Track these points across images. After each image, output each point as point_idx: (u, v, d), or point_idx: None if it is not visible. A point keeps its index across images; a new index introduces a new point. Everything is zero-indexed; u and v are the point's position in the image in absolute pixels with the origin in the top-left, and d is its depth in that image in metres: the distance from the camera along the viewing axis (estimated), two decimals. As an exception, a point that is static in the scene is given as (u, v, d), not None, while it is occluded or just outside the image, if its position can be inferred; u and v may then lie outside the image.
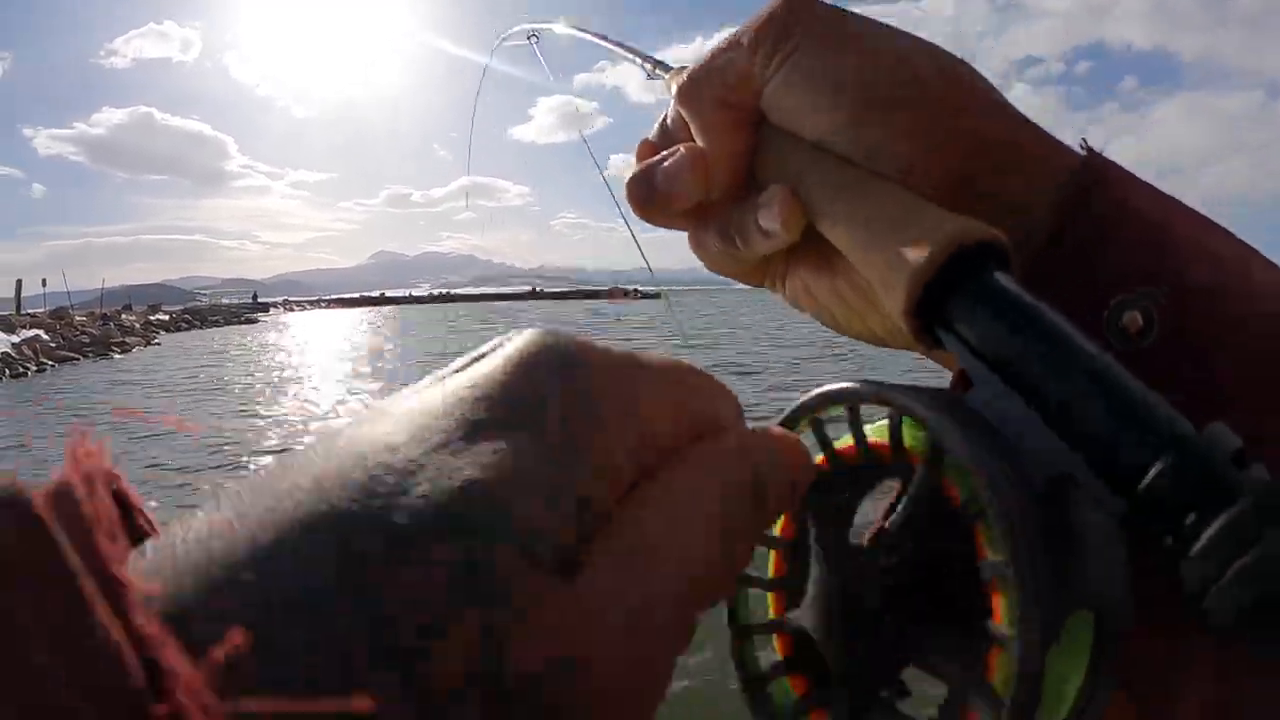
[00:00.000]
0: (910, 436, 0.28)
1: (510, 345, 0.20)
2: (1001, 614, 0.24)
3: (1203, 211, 0.31)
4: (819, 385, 0.30)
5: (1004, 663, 0.24)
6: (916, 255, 0.28)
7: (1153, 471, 0.23)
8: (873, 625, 0.28)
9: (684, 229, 0.38)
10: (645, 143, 0.39)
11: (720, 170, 0.35)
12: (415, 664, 0.14)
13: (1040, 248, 0.31)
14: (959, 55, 0.32)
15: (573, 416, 0.18)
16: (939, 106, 0.32)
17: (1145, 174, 0.31)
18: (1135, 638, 0.26)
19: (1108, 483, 0.24)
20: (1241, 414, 0.25)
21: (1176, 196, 0.31)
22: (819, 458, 0.31)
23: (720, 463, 0.21)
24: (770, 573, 0.34)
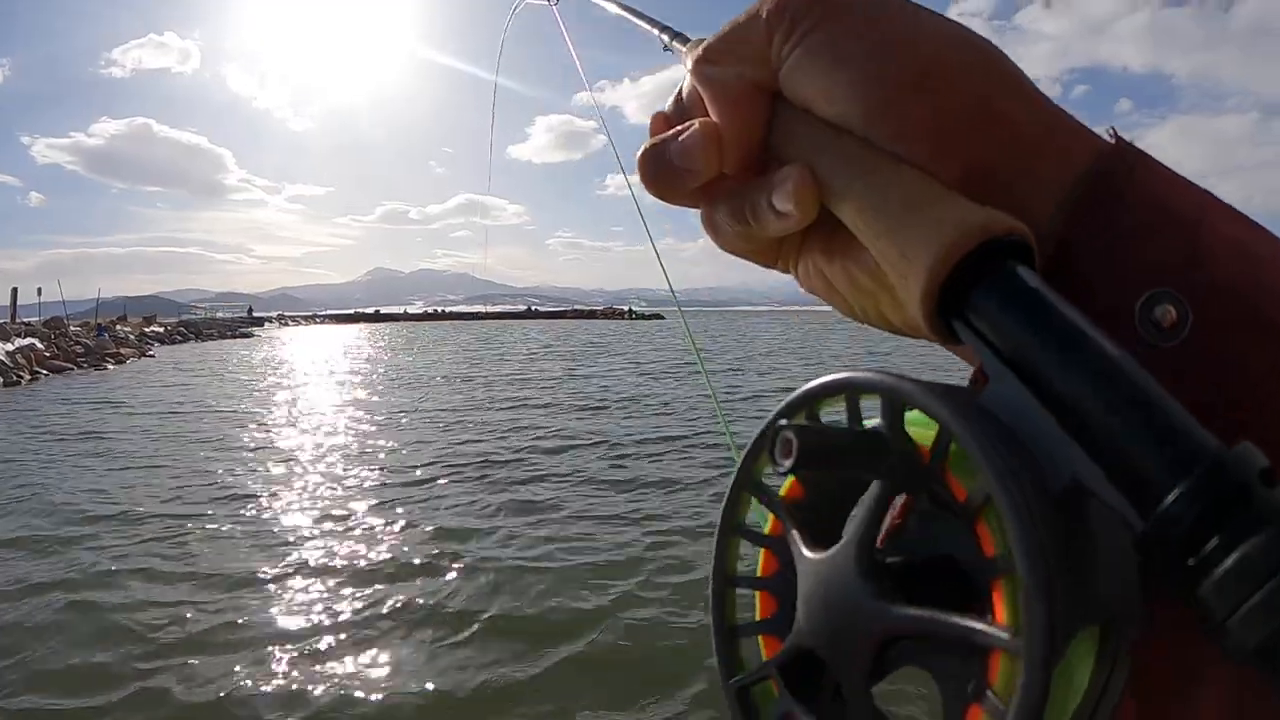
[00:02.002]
0: (918, 427, 0.27)
1: None
2: (1005, 613, 0.23)
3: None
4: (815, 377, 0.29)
5: (1006, 666, 0.23)
6: (937, 245, 0.27)
7: (1176, 491, 0.22)
8: (867, 628, 0.26)
9: (695, 206, 0.37)
10: (659, 116, 0.38)
11: (734, 146, 0.34)
12: None
13: (1067, 236, 0.31)
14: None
15: None
16: (966, 93, 0.31)
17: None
18: (1147, 644, 0.26)
19: (1127, 498, 0.23)
20: (1273, 416, 0.25)
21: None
22: None
23: None
24: (760, 571, 0.33)
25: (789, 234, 0.35)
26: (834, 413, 0.30)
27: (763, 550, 0.33)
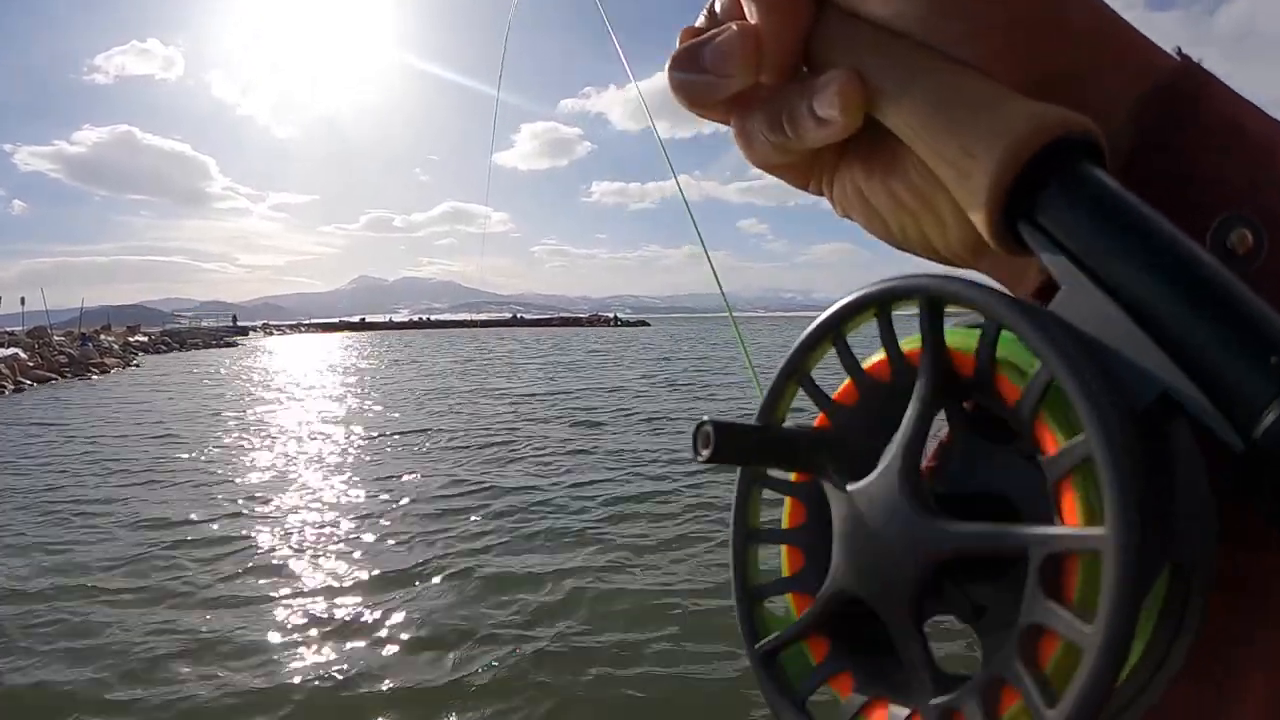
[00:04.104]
0: (957, 337, 0.25)
1: None
2: (1079, 512, 0.21)
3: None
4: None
5: (1087, 569, 0.20)
6: (1008, 138, 0.25)
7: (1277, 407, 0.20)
8: (918, 551, 0.24)
9: (725, 120, 0.35)
10: (687, 30, 0.35)
11: (774, 50, 0.32)
12: None
13: (1137, 150, 0.29)
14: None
15: None
16: None
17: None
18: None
19: (1224, 414, 0.21)
20: None
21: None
22: (845, 383, 0.30)
23: None
24: (786, 523, 0.31)
25: (826, 148, 0.33)
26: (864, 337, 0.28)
27: (789, 500, 0.32)
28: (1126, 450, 0.20)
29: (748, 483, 0.32)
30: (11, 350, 27.12)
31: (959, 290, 0.24)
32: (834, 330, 0.28)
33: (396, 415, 15.93)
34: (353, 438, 12.80)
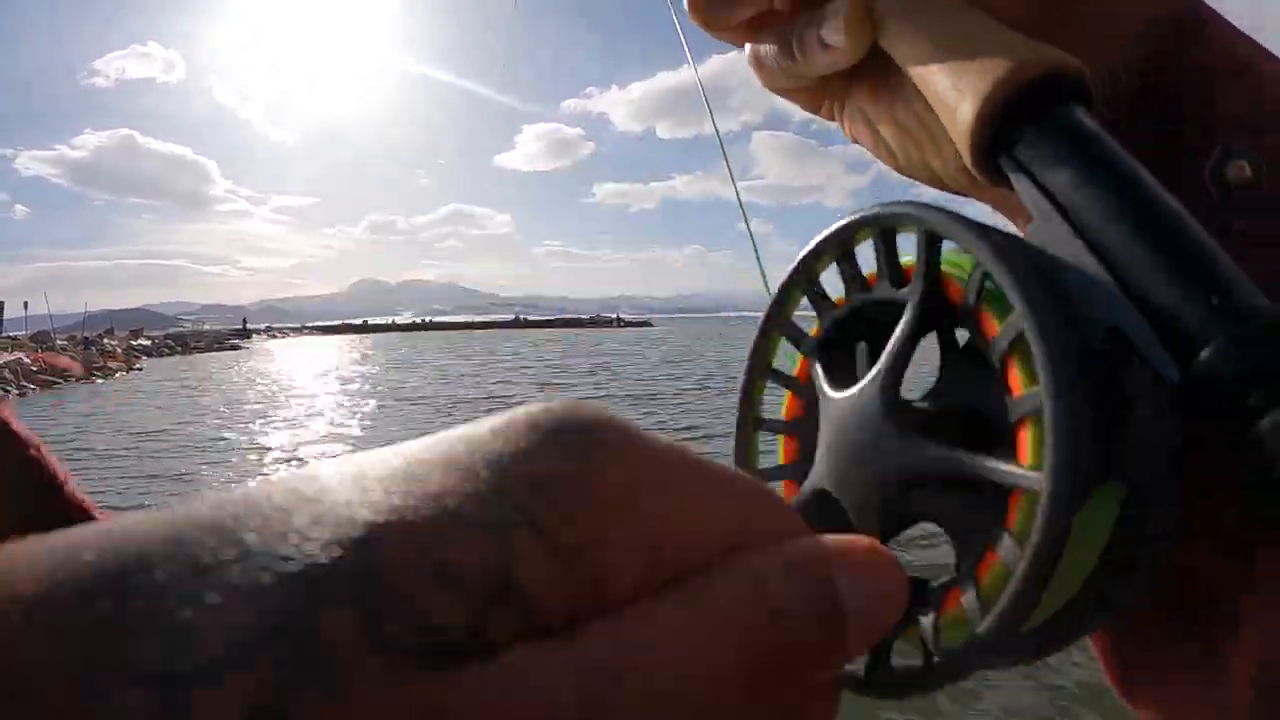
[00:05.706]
0: (949, 263, 0.27)
1: (518, 412, 0.16)
2: (1029, 453, 0.23)
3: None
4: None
5: (1025, 506, 0.22)
6: (990, 76, 0.27)
7: (1215, 341, 0.21)
8: (886, 466, 0.26)
9: (739, 42, 0.37)
10: None
11: None
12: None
13: (1135, 85, 0.30)
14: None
15: (552, 492, 0.14)
16: None
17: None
18: (1191, 553, 0.24)
19: (1168, 349, 0.23)
20: None
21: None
22: (840, 296, 0.31)
23: (763, 570, 0.16)
24: (784, 414, 0.33)
25: (835, 74, 0.34)
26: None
27: (788, 393, 0.33)
28: (1072, 411, 0.21)
29: (752, 374, 0.33)
30: (15, 355, 27.11)
31: (951, 227, 0.25)
32: (838, 246, 0.30)
33: (417, 428, 15.63)
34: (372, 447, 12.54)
